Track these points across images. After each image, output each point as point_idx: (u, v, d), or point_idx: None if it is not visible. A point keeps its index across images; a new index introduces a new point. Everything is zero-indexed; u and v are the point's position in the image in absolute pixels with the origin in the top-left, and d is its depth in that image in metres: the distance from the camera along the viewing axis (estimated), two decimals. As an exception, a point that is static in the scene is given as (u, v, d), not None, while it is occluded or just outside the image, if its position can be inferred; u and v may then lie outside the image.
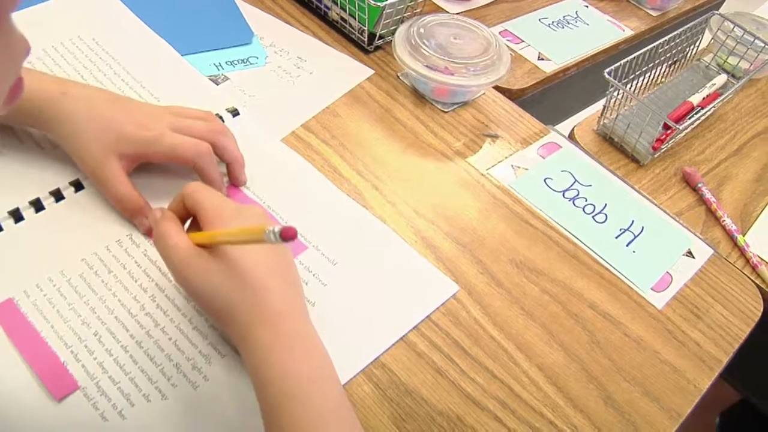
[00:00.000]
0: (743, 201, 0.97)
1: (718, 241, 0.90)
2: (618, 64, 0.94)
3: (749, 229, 0.93)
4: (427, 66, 0.89)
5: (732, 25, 1.13)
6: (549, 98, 1.10)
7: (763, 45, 1.10)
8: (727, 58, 1.16)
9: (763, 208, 0.96)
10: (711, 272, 0.84)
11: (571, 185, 0.90)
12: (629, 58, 0.95)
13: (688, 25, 1.08)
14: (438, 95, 0.94)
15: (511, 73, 1.03)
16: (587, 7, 1.23)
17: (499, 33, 1.11)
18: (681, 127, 0.92)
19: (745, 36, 1.12)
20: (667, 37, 1.04)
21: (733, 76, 1.17)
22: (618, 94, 0.95)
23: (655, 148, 0.95)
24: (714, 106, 1.02)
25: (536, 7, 1.20)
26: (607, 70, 0.91)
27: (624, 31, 1.19)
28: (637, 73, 1.01)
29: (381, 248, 0.76)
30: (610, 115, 0.98)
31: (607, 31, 1.19)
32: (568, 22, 1.18)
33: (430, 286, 0.74)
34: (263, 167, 0.80)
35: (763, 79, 1.19)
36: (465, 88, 0.91)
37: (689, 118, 0.99)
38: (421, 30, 0.92)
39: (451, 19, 0.95)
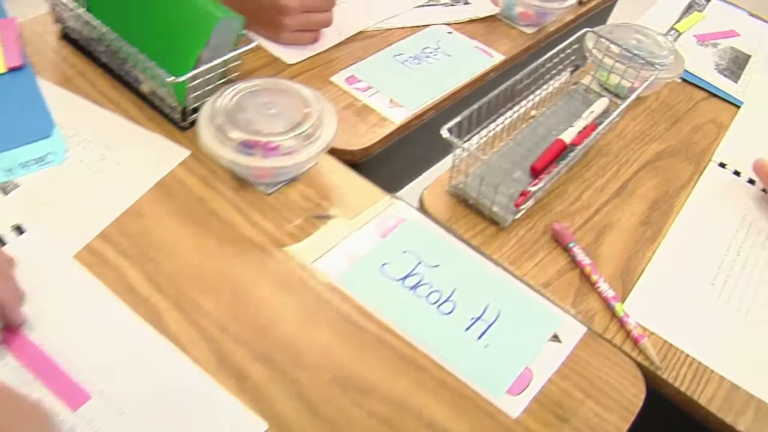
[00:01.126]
0: (626, 254, 0.87)
1: (594, 314, 0.80)
2: (462, 115, 0.84)
3: (631, 290, 0.83)
4: (239, 148, 0.77)
5: (608, 43, 1.03)
6: (401, 153, 1.00)
7: (642, 61, 1.01)
8: (607, 78, 1.06)
9: (649, 260, 0.87)
10: (582, 358, 0.74)
11: (414, 269, 0.80)
12: (471, 109, 0.85)
13: (558, 48, 0.99)
14: (259, 177, 0.84)
15: (353, 130, 0.94)
16: (451, 33, 1.12)
17: (346, 80, 0.99)
18: (535, 189, 0.83)
19: (623, 52, 1.03)
20: (533, 65, 0.95)
21: (618, 96, 1.07)
22: (462, 152, 0.82)
23: (517, 205, 0.83)
24: (592, 139, 0.92)
25: (391, 41, 1.07)
26: (447, 126, 0.79)
27: (493, 57, 1.08)
28: (493, 117, 0.91)
29: (176, 386, 0.66)
30: (458, 175, 0.87)
31: (473, 60, 1.08)
32: (428, 56, 1.06)
33: (232, 428, 0.63)
34: (48, 295, 0.70)
35: (651, 96, 1.08)
36: (287, 168, 0.80)
37: (561, 161, 0.88)
38: (229, 105, 0.81)
39: (263, 86, 0.85)
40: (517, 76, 0.92)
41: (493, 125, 0.93)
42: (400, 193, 0.97)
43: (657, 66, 1.00)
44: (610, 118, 0.92)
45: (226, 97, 0.81)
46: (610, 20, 1.44)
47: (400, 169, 0.93)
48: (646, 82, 0.97)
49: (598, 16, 1.33)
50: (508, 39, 1.13)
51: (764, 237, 0.93)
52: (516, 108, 0.96)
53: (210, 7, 0.84)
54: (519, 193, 0.86)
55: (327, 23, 1.06)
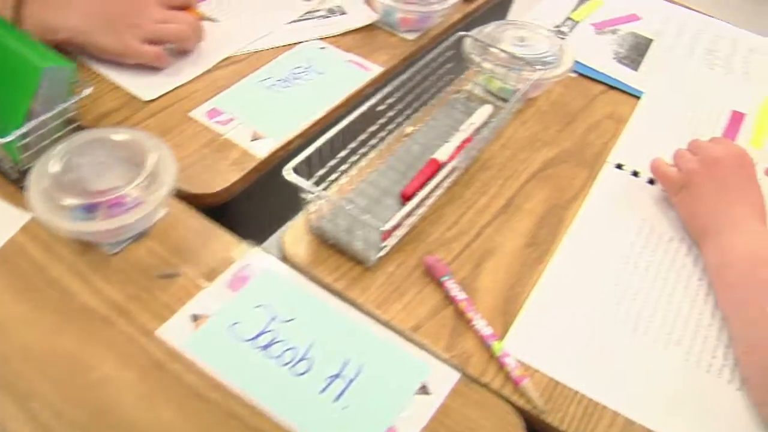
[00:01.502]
0: (509, 282, 0.80)
1: (470, 356, 0.73)
2: (311, 149, 0.77)
3: (512, 323, 0.76)
4: (77, 214, 0.70)
5: (485, 45, 0.96)
6: (270, 191, 0.91)
7: (521, 62, 0.95)
8: (489, 82, 1.00)
9: (534, 285, 0.80)
10: (454, 409, 0.68)
11: (267, 326, 0.73)
12: (323, 139, 0.79)
13: (429, 56, 0.93)
14: (104, 238, 0.76)
15: (213, 170, 0.86)
16: (324, 48, 1.03)
17: (206, 114, 0.91)
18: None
19: (502, 53, 0.97)
20: (402, 77, 0.88)
21: (505, 101, 1.00)
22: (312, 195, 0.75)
23: (384, 238, 0.74)
24: (467, 154, 0.85)
25: (260, 65, 0.99)
26: (291, 165, 0.73)
27: (370, 70, 0.99)
28: (359, 141, 0.85)
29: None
30: (317, 213, 0.80)
31: (347, 76, 1.01)
32: (297, 77, 0.98)
33: None
34: None
35: (542, 96, 0.99)
36: (131, 225, 0.72)
37: (436, 183, 0.80)
38: (57, 168, 0.73)
39: (92, 138, 0.77)
40: (379, 95, 0.86)
41: (360, 150, 0.87)
42: (274, 236, 0.90)
43: (537, 66, 0.94)
44: (488, 128, 0.86)
45: (53, 160, 0.73)
46: (512, 15, 1.34)
47: (271, 209, 0.85)
48: (526, 85, 0.91)
49: (495, 11, 1.25)
50: (388, 48, 1.05)
51: (666, 241, 0.87)
52: (387, 127, 0.89)
53: (34, 57, 0.77)
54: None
55: (183, 38, 0.99)
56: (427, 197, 0.78)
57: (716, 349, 0.76)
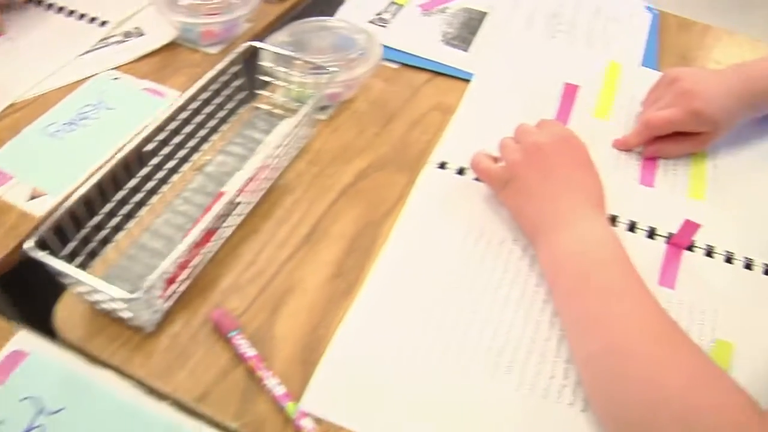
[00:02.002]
0: (311, 324, 0.72)
1: (263, 421, 0.65)
2: (59, 213, 0.68)
3: (313, 375, 0.68)
4: None
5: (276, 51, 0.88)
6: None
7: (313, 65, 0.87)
8: (290, 92, 0.91)
9: (338, 325, 0.72)
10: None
11: (33, 422, 0.64)
12: (68, 203, 0.69)
13: (214, 73, 0.84)
14: None
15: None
16: (117, 79, 0.93)
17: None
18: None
19: (299, 60, 0.88)
20: (180, 103, 0.80)
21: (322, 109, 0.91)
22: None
23: (162, 297, 0.66)
24: (259, 184, 0.77)
25: (46, 108, 0.90)
26: (34, 237, 0.66)
27: (165, 96, 0.87)
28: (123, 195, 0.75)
29: None
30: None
31: (140, 107, 0.91)
32: (85, 117, 0.89)
33: None
34: None
35: (359, 96, 0.90)
36: None
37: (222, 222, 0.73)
38: None
39: None
40: (149, 130, 0.77)
41: (135, 197, 0.78)
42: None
43: (326, 69, 0.87)
44: (288, 145, 0.78)
45: None
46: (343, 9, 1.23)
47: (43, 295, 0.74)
48: (320, 91, 0.84)
49: (320, 5, 1.14)
50: (191, 67, 0.95)
51: (497, 245, 0.80)
52: (168, 163, 0.80)
53: None
54: (166, 280, 0.69)
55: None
56: (203, 241, 0.71)
57: (555, 368, 0.69)
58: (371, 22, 1.04)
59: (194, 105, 0.79)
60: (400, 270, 0.76)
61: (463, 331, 0.71)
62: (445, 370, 0.68)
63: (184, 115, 0.78)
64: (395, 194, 0.81)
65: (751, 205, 0.88)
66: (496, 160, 0.81)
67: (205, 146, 0.83)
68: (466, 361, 0.69)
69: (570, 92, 0.97)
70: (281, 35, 0.91)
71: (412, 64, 0.98)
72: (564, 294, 0.70)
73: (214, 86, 0.82)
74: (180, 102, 0.77)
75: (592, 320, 0.67)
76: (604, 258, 0.70)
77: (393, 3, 1.10)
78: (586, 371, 0.66)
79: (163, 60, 0.99)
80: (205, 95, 0.80)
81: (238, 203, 0.73)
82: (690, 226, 0.78)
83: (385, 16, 1.06)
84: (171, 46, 1.03)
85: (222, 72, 0.83)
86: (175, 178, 0.81)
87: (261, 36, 1.01)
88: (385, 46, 1.01)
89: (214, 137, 0.85)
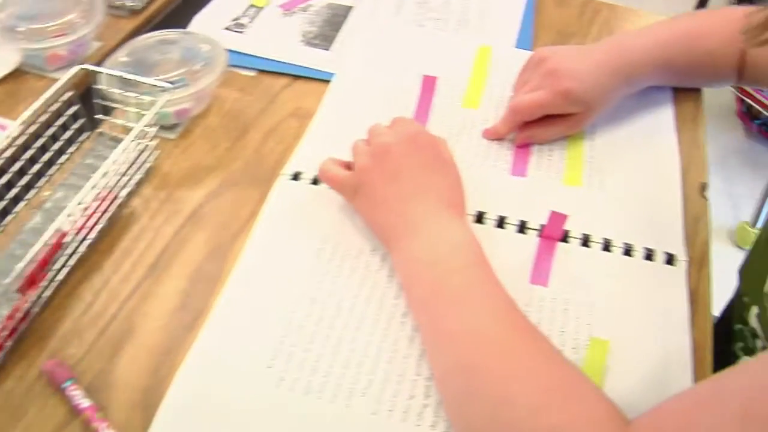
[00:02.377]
0: (152, 365, 0.68)
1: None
2: None
3: (152, 421, 0.65)
4: None
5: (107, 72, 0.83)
6: None
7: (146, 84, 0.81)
8: (128, 115, 0.85)
9: (181, 363, 0.68)
10: None
11: None
12: None
13: (40, 103, 0.79)
14: None
15: None
16: None
17: None
18: None
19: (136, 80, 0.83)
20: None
21: (165, 128, 0.89)
22: None
23: None
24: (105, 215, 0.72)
25: None
26: None
27: (6, 128, 0.81)
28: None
29: None
30: None
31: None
32: None
33: None
34: None
35: (212, 109, 0.85)
36: None
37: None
38: None
39: None
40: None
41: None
42: None
43: (166, 85, 0.81)
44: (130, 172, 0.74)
45: None
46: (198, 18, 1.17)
47: None
48: (152, 111, 0.79)
49: (177, 16, 1.10)
50: (36, 96, 0.86)
51: (354, 257, 0.76)
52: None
53: None
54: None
55: None
56: (26, 288, 0.66)
57: (415, 387, 0.66)
58: (227, 29, 0.99)
59: (22, 140, 0.73)
60: (248, 295, 0.72)
61: (318, 354, 0.68)
62: (299, 400, 0.65)
63: (10, 152, 0.72)
64: (247, 213, 0.77)
65: (630, 186, 0.86)
66: (350, 166, 0.76)
67: (42, 182, 0.77)
68: (319, 388, 0.66)
69: (429, 84, 0.93)
70: (120, 54, 0.87)
71: (270, 70, 0.92)
72: (418, 306, 0.67)
73: (45, 117, 0.75)
74: (3, 139, 0.70)
75: (446, 334, 0.63)
76: (456, 266, 0.67)
77: (252, 6, 1.05)
78: (442, 389, 0.64)
79: (7, 90, 0.92)
80: (33, 128, 0.74)
81: (68, 242, 0.69)
82: (557, 218, 0.74)
83: (243, 20, 1.01)
84: (17, 73, 0.96)
85: (53, 100, 0.77)
86: (8, 219, 0.76)
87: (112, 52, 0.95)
88: (242, 53, 0.96)
89: (52, 171, 0.78)
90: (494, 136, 0.87)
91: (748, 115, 2.61)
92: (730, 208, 2.39)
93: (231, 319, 0.70)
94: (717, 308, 0.95)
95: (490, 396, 0.57)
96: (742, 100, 2.58)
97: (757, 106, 2.47)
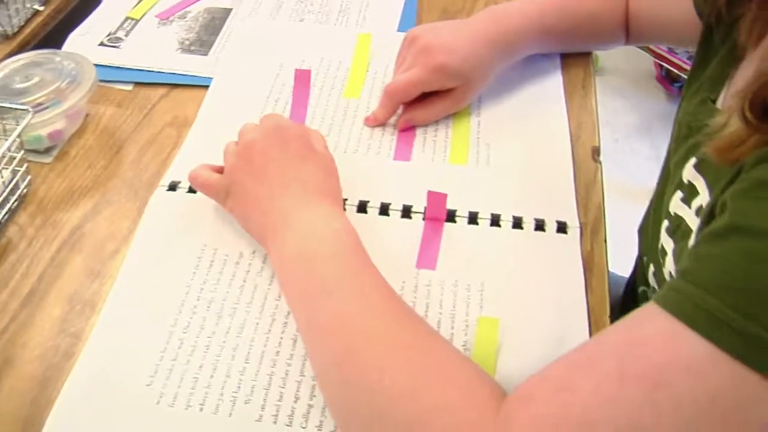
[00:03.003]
0: (30, 396, 0.66)
1: None
2: None
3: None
4: None
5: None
6: None
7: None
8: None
9: (59, 391, 0.66)
10: None
11: None
12: None
13: None
14: None
15: None
16: None
17: None
18: None
19: None
20: None
21: (38, 152, 0.86)
22: None
23: None
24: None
25: None
26: None
27: None
28: None
29: None
30: None
31: None
32: None
33: None
34: None
35: (88, 127, 0.90)
36: None
37: None
38: None
39: None
40: None
41: None
42: None
43: (22, 109, 0.80)
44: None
45: None
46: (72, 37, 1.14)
47: None
48: (14, 134, 0.77)
49: (55, 36, 1.05)
50: None
51: (235, 263, 0.75)
52: None
53: None
54: None
55: None
56: None
57: (300, 388, 0.65)
58: (102, 44, 0.97)
59: None
60: (126, 313, 0.70)
61: (198, 366, 0.66)
62: (180, 415, 0.63)
63: None
64: (125, 230, 0.75)
65: (519, 158, 0.85)
66: (222, 170, 0.75)
67: None
68: (200, 400, 0.64)
69: (302, 78, 0.90)
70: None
71: (147, 81, 0.89)
72: (294, 301, 0.66)
73: None
74: None
75: (320, 327, 0.62)
76: (327, 254, 0.66)
77: (128, 18, 1.02)
78: (322, 385, 0.62)
79: None
80: None
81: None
82: (436, 198, 0.73)
83: (120, 34, 0.98)
84: None
85: None
86: None
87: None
88: (118, 68, 0.92)
89: None
90: (375, 122, 0.85)
91: (667, 78, 2.63)
92: (658, 171, 2.40)
93: (110, 340, 0.68)
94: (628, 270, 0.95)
95: (362, 386, 0.56)
96: (661, 65, 2.59)
97: (674, 69, 2.49)
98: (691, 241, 0.61)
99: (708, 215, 0.57)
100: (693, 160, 0.65)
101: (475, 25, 0.84)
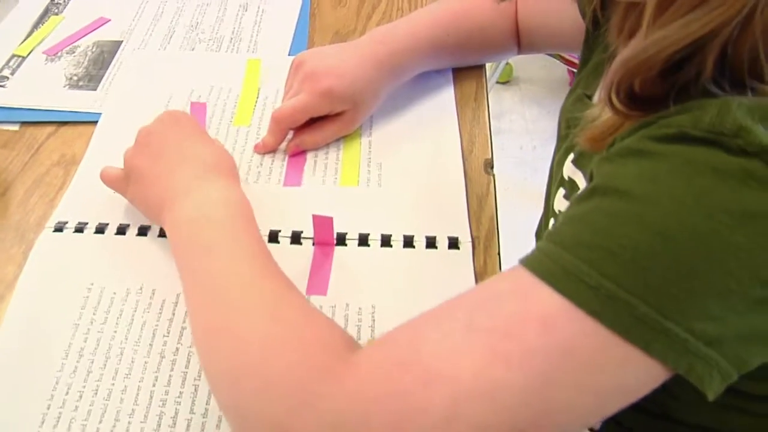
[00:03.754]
0: None
1: None
2: None
3: None
4: None
5: None
6: None
7: None
8: None
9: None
10: None
11: None
12: None
13: None
14: None
15: None
16: None
17: None
18: None
19: None
20: None
21: None
22: None
23: None
24: None
25: None
26: None
27: None
28: None
29: None
30: None
31: None
32: None
33: None
34: None
35: None
36: None
37: None
38: None
39: None
40: None
41: None
42: None
43: None
44: None
45: None
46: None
47: None
48: None
49: None
50: None
51: (121, 300, 0.74)
52: None
53: None
54: None
55: None
56: None
57: (189, 427, 0.65)
58: (-14, 85, 0.92)
59: None
60: (11, 363, 0.69)
61: (86, 411, 0.66)
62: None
63: None
64: (10, 275, 0.73)
65: (410, 177, 0.85)
66: None
67: None
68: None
69: (198, 112, 0.89)
70: None
71: (34, 120, 0.86)
72: (180, 263, 0.67)
73: None
74: None
75: (197, 285, 0.63)
76: (216, 218, 0.67)
77: (14, 56, 1.00)
78: (199, 352, 0.61)
79: None
80: None
81: None
82: (322, 221, 0.72)
83: (5, 72, 0.96)
84: None
85: None
86: None
87: None
88: (3, 108, 0.90)
89: None
90: (264, 149, 0.84)
91: (579, 85, 2.63)
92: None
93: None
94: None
95: (224, 353, 0.57)
96: (573, 72, 2.61)
97: (584, 74, 2.49)
98: None
99: None
100: (571, 156, 0.66)
101: (362, 47, 0.84)
